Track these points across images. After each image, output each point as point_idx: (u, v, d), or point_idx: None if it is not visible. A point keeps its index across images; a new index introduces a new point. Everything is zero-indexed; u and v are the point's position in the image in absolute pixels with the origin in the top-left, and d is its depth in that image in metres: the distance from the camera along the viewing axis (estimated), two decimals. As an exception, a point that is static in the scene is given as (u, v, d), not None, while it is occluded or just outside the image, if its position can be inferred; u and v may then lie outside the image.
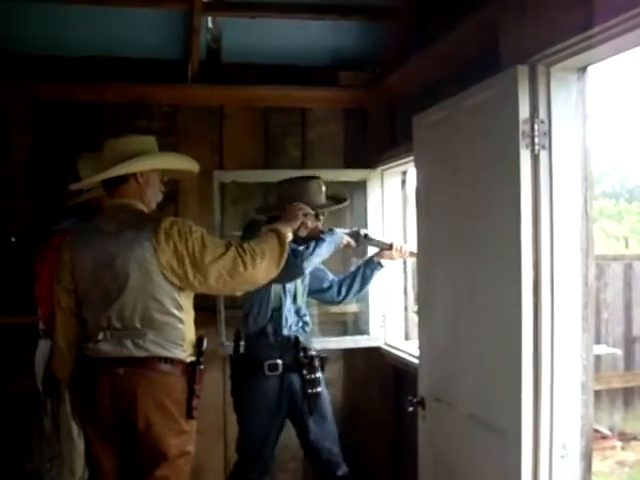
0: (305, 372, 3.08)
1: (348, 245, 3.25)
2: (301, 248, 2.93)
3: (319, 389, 3.10)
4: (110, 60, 3.67)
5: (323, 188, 3.17)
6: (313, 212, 2.90)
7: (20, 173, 3.62)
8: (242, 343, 3.16)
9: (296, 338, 3.09)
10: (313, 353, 3.12)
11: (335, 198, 3.26)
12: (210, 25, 3.58)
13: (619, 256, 7.84)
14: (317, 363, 3.12)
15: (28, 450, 3.57)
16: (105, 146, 2.56)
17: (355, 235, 3.28)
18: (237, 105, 3.86)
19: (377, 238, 3.48)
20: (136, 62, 3.70)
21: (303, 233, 3.05)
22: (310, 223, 2.95)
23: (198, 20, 3.39)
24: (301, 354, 3.07)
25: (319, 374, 3.11)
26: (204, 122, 3.84)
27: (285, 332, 3.08)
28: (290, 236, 2.60)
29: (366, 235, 3.38)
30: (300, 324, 3.15)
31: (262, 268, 2.44)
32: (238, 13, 3.45)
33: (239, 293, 2.63)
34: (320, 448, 3.15)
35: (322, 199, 3.16)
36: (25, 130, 3.63)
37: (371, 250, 3.54)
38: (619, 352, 6.46)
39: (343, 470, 3.18)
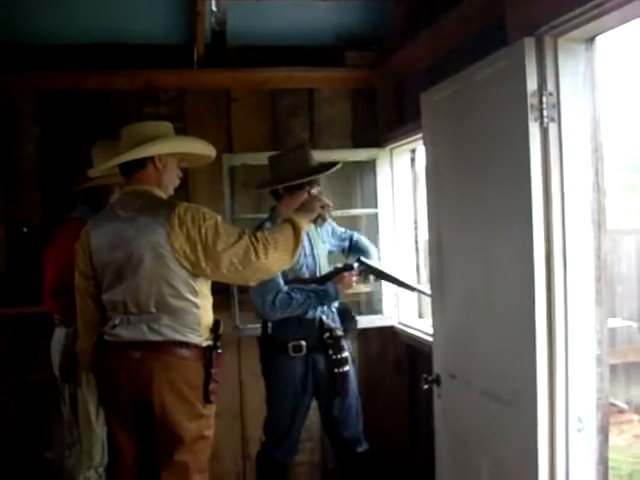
0: (331, 352, 3.07)
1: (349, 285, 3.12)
2: (297, 296, 2.98)
3: (346, 368, 3.09)
4: (115, 47, 3.66)
5: (311, 156, 3.10)
6: (331, 204, 2.87)
7: (30, 164, 3.63)
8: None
9: (320, 320, 3.08)
10: (340, 333, 3.11)
11: (327, 166, 3.13)
12: (214, 8, 3.55)
13: (633, 229, 7.78)
14: (344, 343, 3.11)
15: (47, 438, 3.62)
16: (122, 133, 2.56)
17: (350, 267, 3.10)
18: (244, 88, 3.85)
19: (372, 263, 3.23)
20: (141, 48, 3.68)
21: (321, 225, 3.04)
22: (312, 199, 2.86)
23: (202, 4, 3.37)
24: (326, 335, 3.07)
25: (346, 354, 3.10)
26: (211, 106, 3.82)
27: (309, 314, 3.07)
28: (306, 227, 2.61)
29: (359, 259, 3.16)
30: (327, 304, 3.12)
31: (274, 258, 2.43)
32: (241, -5, 3.44)
33: (252, 283, 2.63)
34: (343, 425, 3.15)
35: (311, 164, 3.09)
36: (34, 120, 3.63)
37: None
38: (634, 325, 6.43)
39: (363, 447, 3.20)
